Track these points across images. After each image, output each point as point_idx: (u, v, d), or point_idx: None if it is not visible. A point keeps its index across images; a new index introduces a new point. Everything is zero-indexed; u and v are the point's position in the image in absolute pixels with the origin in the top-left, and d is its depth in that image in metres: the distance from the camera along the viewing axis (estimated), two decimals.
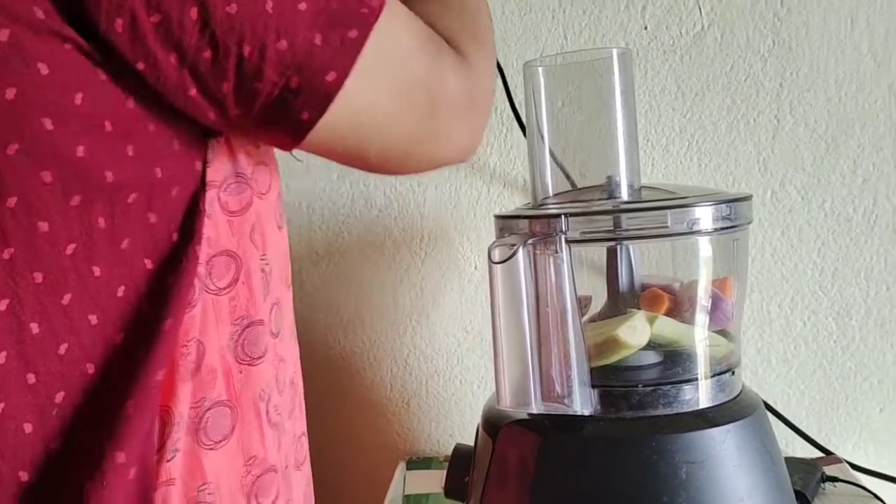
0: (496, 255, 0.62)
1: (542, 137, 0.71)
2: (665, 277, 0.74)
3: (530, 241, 0.63)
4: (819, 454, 0.91)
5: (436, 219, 0.94)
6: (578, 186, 0.70)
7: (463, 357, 0.95)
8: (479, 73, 0.53)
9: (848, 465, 0.88)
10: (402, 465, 0.94)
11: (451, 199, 0.94)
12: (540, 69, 0.70)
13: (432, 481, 0.89)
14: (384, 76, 0.46)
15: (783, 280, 0.92)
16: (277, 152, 0.55)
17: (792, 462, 0.85)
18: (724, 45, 0.89)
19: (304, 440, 0.59)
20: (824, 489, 0.83)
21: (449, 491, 0.76)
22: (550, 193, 0.72)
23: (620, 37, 0.89)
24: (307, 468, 0.59)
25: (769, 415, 0.90)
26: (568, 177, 0.73)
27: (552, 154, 0.72)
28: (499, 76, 0.84)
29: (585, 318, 0.75)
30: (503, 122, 0.92)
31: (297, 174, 0.95)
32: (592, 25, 0.89)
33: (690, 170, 0.91)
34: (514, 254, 0.61)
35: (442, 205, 0.94)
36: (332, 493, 0.96)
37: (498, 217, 0.71)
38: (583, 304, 0.75)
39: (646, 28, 0.89)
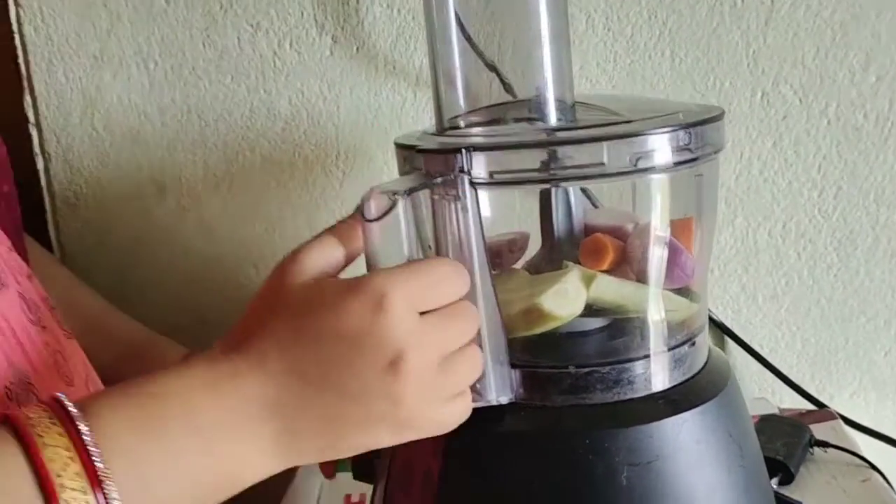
0: (372, 209, 0.46)
1: (448, 34, 0.53)
2: (616, 213, 0.58)
3: (415, 189, 0.47)
4: (810, 406, 0.78)
5: (353, 131, 0.78)
6: (496, 101, 0.53)
7: None
8: None
9: (842, 422, 0.75)
10: None
11: (370, 107, 0.77)
12: None
13: None
14: None
15: (774, 202, 0.75)
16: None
17: (774, 423, 0.72)
18: None
19: None
20: (812, 454, 0.69)
21: (357, 472, 0.63)
22: (462, 110, 0.55)
23: None
24: None
25: (757, 364, 0.77)
26: (504, 83, 0.55)
27: (480, 54, 0.54)
28: None
29: (520, 263, 0.60)
30: None
31: (182, 75, 0.77)
32: None
33: (662, 66, 0.73)
34: (392, 208, 0.45)
35: (360, 114, 0.77)
36: None
37: (399, 146, 0.54)
38: (517, 246, 0.60)
39: None
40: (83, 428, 0.37)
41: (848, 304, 0.77)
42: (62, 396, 0.39)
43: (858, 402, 0.79)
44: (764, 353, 0.78)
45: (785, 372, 0.78)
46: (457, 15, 0.53)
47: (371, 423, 0.43)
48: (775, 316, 0.78)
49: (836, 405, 0.78)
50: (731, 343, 0.79)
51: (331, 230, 0.47)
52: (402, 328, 0.42)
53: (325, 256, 0.46)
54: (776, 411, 0.76)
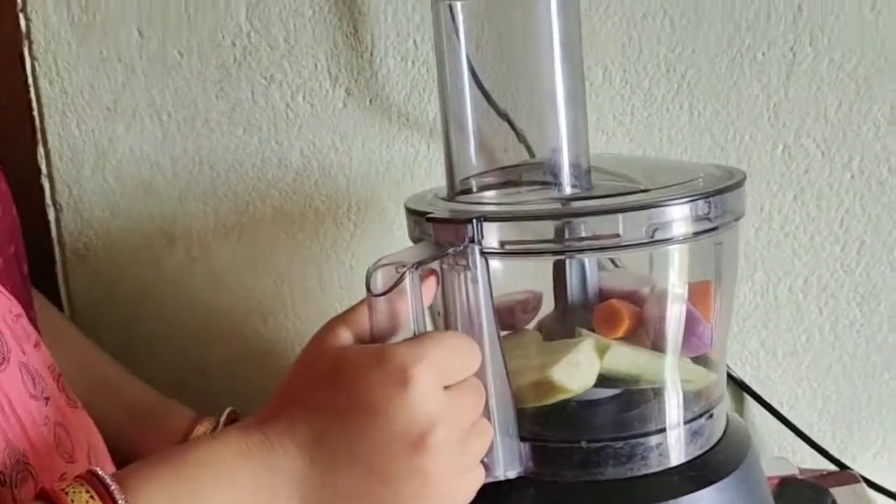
0: (378, 283, 0.45)
1: (462, 90, 0.52)
2: (632, 276, 0.56)
3: (423, 262, 0.45)
4: (832, 468, 0.75)
5: (365, 183, 0.77)
6: (503, 164, 0.52)
7: None
8: None
9: (865, 484, 0.72)
10: None
11: (382, 160, 0.76)
12: (458, 5, 0.51)
13: None
14: None
15: (795, 257, 0.73)
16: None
17: (794, 488, 0.69)
18: None
19: None
20: None
21: None
22: (475, 169, 0.53)
23: None
24: None
25: (780, 424, 0.75)
26: (527, 146, 0.53)
27: (502, 112, 0.53)
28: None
29: (532, 324, 0.58)
30: None
31: (194, 127, 0.77)
32: None
33: (680, 120, 0.71)
34: (400, 281, 0.44)
35: (372, 166, 0.76)
36: None
37: (410, 211, 0.53)
38: (529, 307, 0.58)
39: None
40: (121, 501, 0.38)
41: (871, 361, 0.75)
42: (98, 470, 0.40)
43: (882, 462, 0.77)
44: (784, 410, 0.76)
45: (805, 431, 0.76)
46: (471, 69, 0.52)
47: (402, 500, 0.43)
48: (795, 372, 0.76)
49: (858, 466, 0.75)
50: (749, 401, 0.76)
51: (364, 302, 0.47)
52: (429, 403, 0.42)
53: (359, 324, 0.46)
54: (796, 472, 0.74)
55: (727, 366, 0.75)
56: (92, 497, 0.38)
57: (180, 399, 0.70)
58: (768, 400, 0.76)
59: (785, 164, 0.71)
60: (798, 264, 0.73)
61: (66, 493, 0.38)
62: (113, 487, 0.39)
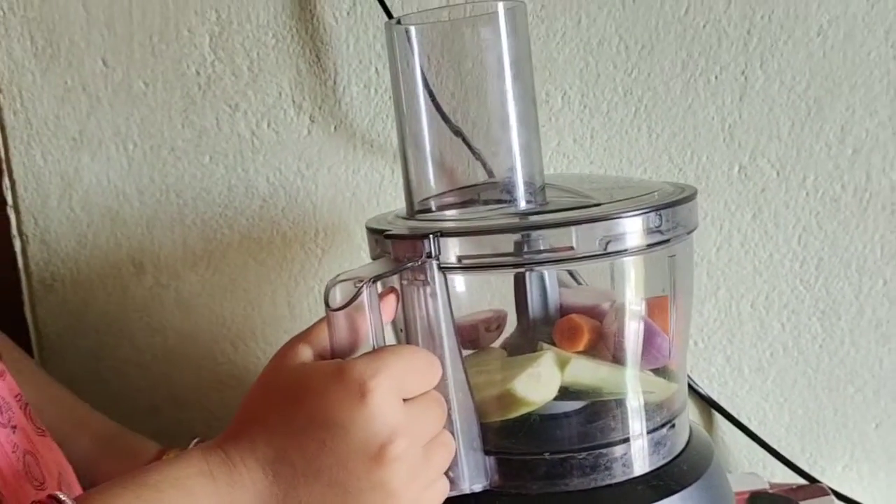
0: (336, 298, 0.45)
1: (419, 113, 0.53)
2: (592, 292, 0.57)
3: (381, 276, 0.46)
4: (801, 481, 0.76)
5: (331, 209, 0.77)
6: (460, 184, 0.53)
7: None
8: None
9: (835, 497, 0.73)
10: None
11: (348, 185, 0.77)
12: (412, 29, 0.52)
13: None
14: None
15: (756, 274, 0.75)
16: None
17: (763, 500, 0.70)
18: None
19: None
20: None
21: None
22: (433, 191, 0.54)
23: None
24: None
25: (748, 439, 0.76)
26: (484, 164, 0.54)
27: (460, 134, 0.54)
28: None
29: (497, 342, 0.59)
30: None
31: (160, 156, 0.77)
32: None
33: (639, 142, 0.73)
34: (358, 295, 0.45)
35: (337, 192, 0.77)
36: None
37: (370, 230, 0.54)
38: (493, 325, 0.59)
39: None
40: None
41: (835, 375, 0.76)
42: (59, 493, 0.40)
43: (851, 475, 0.78)
44: (752, 426, 0.77)
45: (774, 445, 0.76)
46: (427, 90, 0.53)
47: None
48: (762, 388, 0.77)
49: (827, 479, 0.76)
50: (718, 417, 0.77)
51: (324, 320, 0.48)
52: (387, 415, 0.42)
53: (319, 341, 0.46)
54: (767, 486, 0.74)
55: (694, 383, 0.76)
56: None
57: (154, 425, 0.70)
58: (736, 416, 0.77)
59: (742, 183, 0.73)
60: (759, 281, 0.75)
61: None
62: None
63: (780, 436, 0.78)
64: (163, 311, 0.81)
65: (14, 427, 0.50)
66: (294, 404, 0.43)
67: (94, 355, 0.82)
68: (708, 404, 0.77)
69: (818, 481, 0.76)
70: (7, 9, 0.75)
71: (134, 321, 0.81)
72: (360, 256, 0.77)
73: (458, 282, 0.52)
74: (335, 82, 0.74)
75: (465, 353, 0.52)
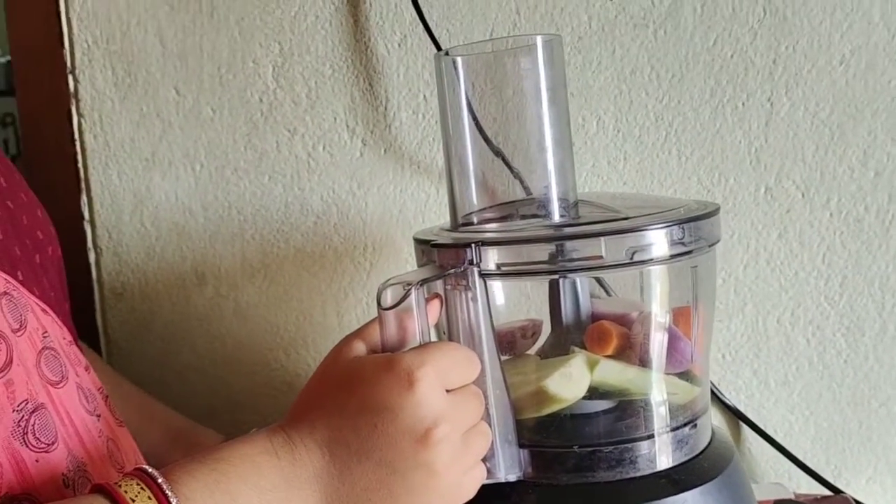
0: (388, 299, 0.51)
1: (463, 137, 0.58)
2: (622, 302, 0.62)
3: (427, 280, 0.51)
4: (826, 492, 0.79)
5: (380, 226, 0.83)
6: (500, 200, 0.58)
7: None
8: None
9: None
10: None
11: (396, 203, 0.82)
12: (458, 60, 0.58)
13: None
14: None
15: (782, 291, 0.78)
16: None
17: None
18: (705, 17, 0.75)
19: None
20: None
21: None
22: (475, 207, 0.60)
23: (582, 10, 0.76)
24: None
25: (779, 454, 0.79)
26: (522, 182, 0.60)
27: (501, 154, 0.59)
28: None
29: (533, 350, 0.63)
30: None
31: (224, 175, 0.84)
32: None
33: (669, 164, 0.78)
34: (407, 296, 0.50)
35: (386, 209, 0.83)
36: None
37: (417, 240, 0.59)
38: (529, 333, 0.64)
39: None
40: (168, 491, 0.43)
41: (859, 389, 0.79)
42: (146, 467, 0.45)
43: (875, 487, 0.80)
44: (778, 437, 0.80)
45: (800, 457, 0.79)
46: (472, 115, 0.58)
47: (413, 495, 0.48)
48: (787, 401, 0.80)
49: (852, 491, 0.79)
50: (745, 429, 0.80)
51: (376, 320, 0.53)
52: (432, 402, 0.47)
53: (371, 337, 0.52)
54: (792, 496, 0.77)
55: (722, 395, 0.79)
56: (142, 488, 0.43)
57: (210, 427, 0.76)
58: (763, 427, 0.80)
59: (768, 204, 0.77)
60: (785, 297, 0.78)
61: (120, 486, 0.44)
62: (160, 480, 0.44)
63: (806, 448, 0.80)
64: (222, 319, 0.87)
65: (98, 416, 0.56)
66: (349, 392, 0.48)
67: (157, 360, 0.88)
68: (735, 416, 0.80)
69: (843, 492, 0.78)
70: (91, 42, 0.83)
71: (195, 329, 0.88)
72: (405, 269, 0.82)
73: (499, 292, 0.57)
74: (386, 108, 0.80)
75: (503, 358, 0.56)
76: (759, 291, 0.79)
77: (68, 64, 0.84)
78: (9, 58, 0.86)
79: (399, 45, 0.79)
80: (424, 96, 0.80)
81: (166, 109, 0.83)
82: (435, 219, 0.82)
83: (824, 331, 0.79)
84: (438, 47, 0.76)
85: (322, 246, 0.84)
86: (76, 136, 0.85)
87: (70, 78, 0.84)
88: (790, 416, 0.80)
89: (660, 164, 0.78)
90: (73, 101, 0.85)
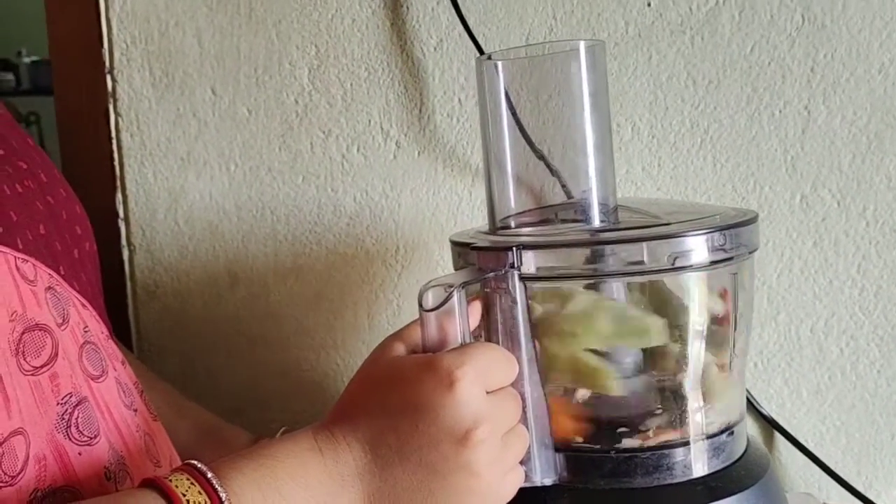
0: (429, 300, 0.51)
1: (503, 141, 0.59)
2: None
3: (469, 282, 0.51)
4: (857, 503, 0.78)
5: (412, 228, 0.83)
6: (539, 204, 0.58)
7: None
8: None
9: None
10: None
11: (429, 206, 0.83)
12: (499, 63, 0.58)
13: None
14: None
15: (816, 300, 0.78)
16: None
17: None
18: (742, 24, 0.74)
19: None
20: None
21: None
22: (513, 210, 0.60)
23: (619, 15, 0.76)
24: None
25: (808, 460, 0.78)
26: (564, 186, 0.60)
27: (542, 156, 0.59)
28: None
29: None
30: None
31: (258, 176, 0.85)
32: (586, 3, 0.76)
33: (704, 171, 0.77)
34: (449, 299, 0.50)
35: (418, 212, 0.83)
36: None
37: (455, 243, 0.59)
38: None
39: (649, 4, 0.76)
40: (218, 486, 0.43)
41: (892, 400, 0.78)
42: (195, 462, 0.45)
43: None
44: (809, 446, 0.79)
45: (831, 467, 0.79)
46: (514, 118, 0.58)
47: (453, 496, 0.48)
48: (819, 410, 0.79)
49: (882, 502, 0.78)
50: (776, 438, 0.80)
51: (416, 321, 0.53)
52: (473, 403, 0.47)
53: (412, 339, 0.52)
54: None
55: (757, 402, 0.79)
56: (192, 483, 0.44)
57: (239, 426, 0.76)
58: (794, 435, 0.79)
59: (803, 212, 0.77)
60: (819, 306, 0.78)
61: (170, 480, 0.44)
62: (210, 475, 0.44)
63: (837, 458, 0.80)
64: (253, 319, 0.88)
65: (135, 410, 0.56)
66: (390, 391, 0.49)
67: (188, 358, 0.89)
68: (768, 423, 0.80)
69: (873, 503, 0.78)
70: (130, 42, 0.84)
71: (226, 328, 0.88)
72: (437, 272, 0.83)
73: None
74: (420, 111, 0.81)
75: None
76: (793, 300, 0.78)
77: (107, 64, 0.85)
78: (34, 57, 0.87)
79: (435, 49, 0.79)
80: (459, 100, 0.80)
81: (202, 109, 0.84)
82: (467, 222, 0.82)
83: (858, 341, 0.78)
84: (481, 51, 0.77)
85: (354, 247, 0.85)
86: (113, 134, 0.86)
87: (108, 77, 0.85)
88: (822, 426, 0.80)
89: (695, 170, 0.78)
90: (111, 101, 0.86)
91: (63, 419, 0.47)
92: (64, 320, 0.51)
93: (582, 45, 0.54)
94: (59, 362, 0.48)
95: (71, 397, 0.48)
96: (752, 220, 0.55)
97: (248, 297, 0.87)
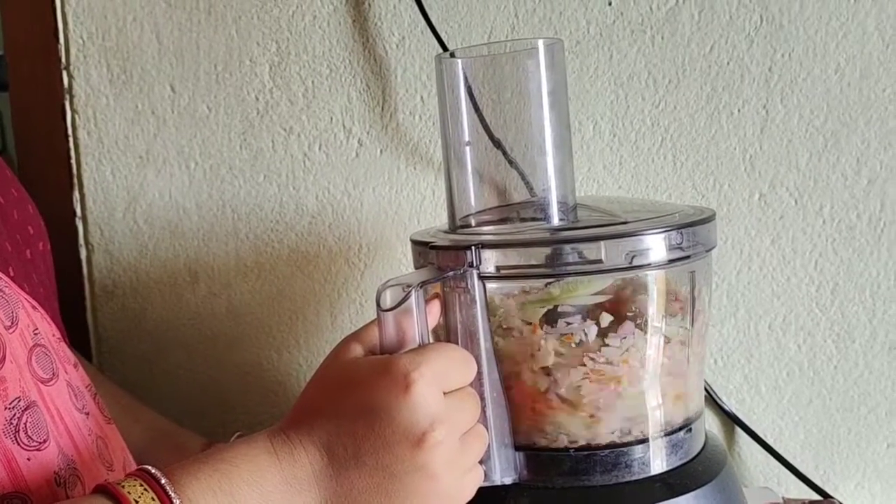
0: (387, 300, 0.51)
1: (463, 141, 0.58)
2: None
3: (427, 282, 0.51)
4: (815, 497, 0.79)
5: (375, 226, 0.83)
6: (499, 203, 0.58)
7: None
8: None
9: None
10: None
11: (392, 204, 0.82)
12: (459, 61, 0.58)
13: None
14: None
15: (774, 297, 0.79)
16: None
17: None
18: (702, 24, 0.75)
19: None
20: None
21: None
22: (473, 209, 0.60)
23: (581, 15, 0.76)
24: None
25: (770, 456, 0.79)
26: (527, 183, 0.60)
27: (505, 153, 0.59)
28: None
29: None
30: None
31: (219, 174, 0.84)
32: (548, 2, 0.76)
33: (664, 170, 0.78)
34: (407, 298, 0.50)
35: (381, 210, 0.82)
36: None
37: (415, 242, 0.59)
38: None
39: (610, 4, 0.76)
40: (171, 493, 0.43)
41: (848, 395, 0.79)
42: (149, 468, 0.45)
43: (863, 493, 0.81)
44: (768, 440, 0.80)
45: (790, 461, 0.80)
46: (479, 116, 0.58)
47: (410, 499, 0.48)
48: (778, 406, 0.81)
49: (840, 495, 0.79)
50: (737, 432, 0.81)
51: (374, 321, 0.53)
52: (429, 404, 0.47)
53: (370, 339, 0.52)
54: (780, 501, 0.78)
55: (718, 398, 0.80)
56: (146, 489, 0.43)
57: (200, 428, 0.76)
58: (754, 430, 0.80)
59: (762, 210, 0.78)
60: (777, 303, 0.79)
61: (123, 486, 0.43)
62: (164, 481, 0.44)
63: (795, 452, 0.81)
64: (214, 318, 0.87)
65: (87, 413, 0.55)
66: (346, 394, 0.48)
67: (148, 359, 0.88)
68: (729, 419, 0.81)
69: (831, 497, 0.79)
70: (86, 38, 0.82)
71: (187, 328, 0.87)
72: (400, 270, 0.83)
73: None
74: (383, 109, 0.80)
75: None
76: (752, 297, 0.79)
77: (63, 60, 0.84)
78: (1, 53, 0.85)
79: (397, 46, 0.79)
80: (422, 97, 0.80)
81: (161, 107, 0.83)
82: (430, 220, 0.82)
83: (815, 337, 0.79)
84: (444, 48, 0.76)
85: (316, 246, 0.84)
86: (69, 132, 0.85)
87: (64, 74, 0.84)
88: (780, 421, 0.81)
89: (655, 169, 0.78)
90: (67, 97, 0.84)
91: (11, 424, 0.46)
92: (13, 323, 0.50)
93: (541, 43, 0.54)
94: (7, 366, 0.47)
95: (19, 401, 0.47)
96: (710, 219, 0.55)
97: (208, 296, 0.86)
